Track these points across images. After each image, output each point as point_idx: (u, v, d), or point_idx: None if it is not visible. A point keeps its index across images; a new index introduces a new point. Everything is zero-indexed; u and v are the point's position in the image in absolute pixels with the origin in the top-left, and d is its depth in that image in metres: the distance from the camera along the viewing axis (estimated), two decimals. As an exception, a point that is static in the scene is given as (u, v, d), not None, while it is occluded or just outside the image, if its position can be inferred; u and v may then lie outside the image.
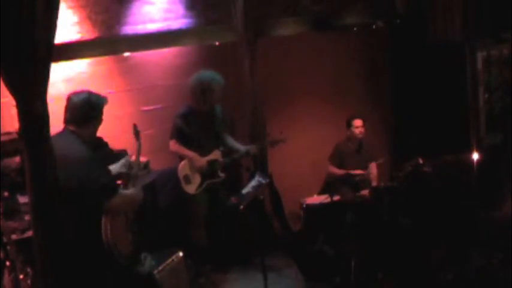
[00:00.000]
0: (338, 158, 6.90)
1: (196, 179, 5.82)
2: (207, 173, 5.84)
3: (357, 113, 6.84)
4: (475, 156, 6.03)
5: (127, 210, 4.29)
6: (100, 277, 4.18)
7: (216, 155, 5.90)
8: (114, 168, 4.35)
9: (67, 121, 4.23)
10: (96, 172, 4.07)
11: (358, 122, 6.77)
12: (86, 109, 4.19)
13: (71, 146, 4.16)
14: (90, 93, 4.28)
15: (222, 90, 5.83)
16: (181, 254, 5.12)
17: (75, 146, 4.16)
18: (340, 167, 6.85)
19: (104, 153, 4.34)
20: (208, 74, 5.80)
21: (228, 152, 6.01)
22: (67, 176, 4.00)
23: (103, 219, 4.11)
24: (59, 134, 4.20)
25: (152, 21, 6.55)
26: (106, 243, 4.09)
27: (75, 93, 4.29)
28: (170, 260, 4.97)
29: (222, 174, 5.92)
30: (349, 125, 6.81)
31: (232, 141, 6.12)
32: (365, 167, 6.76)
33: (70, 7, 6.18)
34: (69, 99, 4.26)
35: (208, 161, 5.84)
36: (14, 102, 4.14)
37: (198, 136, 5.83)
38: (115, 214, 4.17)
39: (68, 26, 6.17)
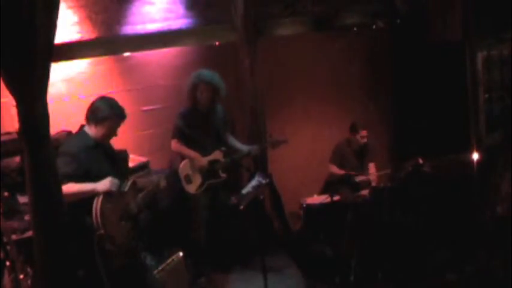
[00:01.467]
0: (339, 158, 6.90)
1: (197, 179, 5.81)
2: (208, 173, 5.83)
3: (363, 123, 6.84)
4: (475, 156, 6.03)
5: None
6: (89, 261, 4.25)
7: (217, 155, 5.89)
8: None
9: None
10: (61, 162, 4.18)
11: (364, 133, 6.78)
12: (92, 110, 4.41)
13: (71, 140, 4.48)
14: (108, 100, 4.48)
15: (208, 89, 5.76)
16: (181, 254, 5.12)
17: (73, 142, 4.44)
18: (340, 167, 6.85)
19: (96, 157, 4.38)
20: (196, 73, 5.78)
21: (230, 152, 6.00)
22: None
23: (94, 201, 4.21)
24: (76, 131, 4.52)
25: (152, 21, 6.55)
26: (95, 223, 4.17)
27: (102, 96, 4.59)
28: (170, 260, 4.97)
29: (223, 175, 5.92)
30: (355, 131, 6.80)
31: (234, 142, 6.11)
32: (365, 168, 6.76)
33: (70, 7, 6.17)
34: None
35: (210, 161, 5.83)
36: (14, 102, 4.14)
37: (199, 136, 5.82)
38: (108, 199, 4.24)
39: (68, 26, 6.17)
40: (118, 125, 4.47)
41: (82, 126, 4.48)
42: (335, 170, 6.88)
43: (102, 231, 4.18)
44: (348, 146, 6.91)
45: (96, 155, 4.39)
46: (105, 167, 4.42)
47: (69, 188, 4.20)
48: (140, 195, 4.59)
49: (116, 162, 4.57)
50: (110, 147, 4.60)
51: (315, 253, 6.11)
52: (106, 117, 4.38)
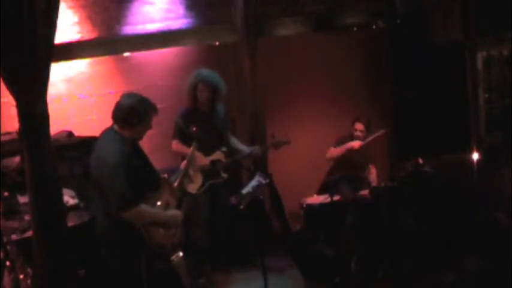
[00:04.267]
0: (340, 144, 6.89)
1: (199, 179, 5.81)
2: (210, 173, 5.83)
3: (361, 117, 6.75)
4: (475, 156, 6.03)
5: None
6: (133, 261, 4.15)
7: (218, 155, 5.89)
8: None
9: (113, 119, 4.21)
10: (120, 182, 3.99)
11: (359, 126, 6.69)
12: (128, 113, 4.15)
13: (109, 146, 4.13)
14: (139, 98, 4.26)
15: (207, 89, 5.74)
16: (181, 254, 5.11)
17: (112, 147, 4.10)
18: (338, 162, 6.84)
19: (135, 159, 4.26)
20: (195, 72, 5.77)
21: (231, 152, 6.00)
22: (96, 172, 4.07)
23: None
24: (106, 130, 4.23)
25: (152, 21, 6.55)
26: (140, 236, 4.10)
27: (127, 94, 4.30)
28: (170, 260, 4.96)
29: (224, 175, 5.91)
30: (352, 125, 6.78)
31: (235, 142, 6.11)
32: (362, 167, 6.75)
33: (70, 7, 6.18)
34: (120, 98, 4.25)
35: (211, 161, 5.83)
36: (14, 102, 4.15)
37: (200, 136, 5.82)
38: None
39: (68, 26, 6.17)
40: (152, 119, 4.32)
41: (112, 129, 4.21)
42: (334, 151, 6.73)
43: (151, 244, 4.13)
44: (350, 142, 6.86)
45: (135, 159, 4.21)
46: (144, 168, 4.30)
47: (143, 212, 4.08)
48: (175, 185, 4.54)
49: (148, 161, 4.44)
50: (139, 146, 4.43)
51: (315, 253, 6.10)
52: (145, 116, 4.20)
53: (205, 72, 5.76)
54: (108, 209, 4.06)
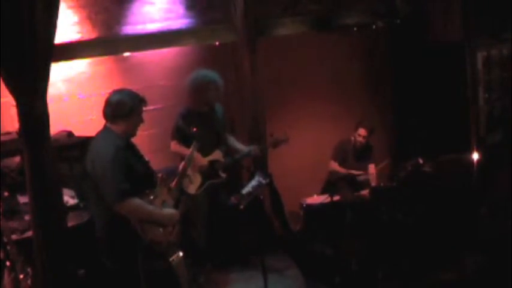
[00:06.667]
0: (340, 155, 6.89)
1: (197, 179, 5.81)
2: (208, 173, 5.83)
3: (365, 121, 6.80)
4: (475, 156, 6.03)
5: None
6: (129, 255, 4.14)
7: (217, 155, 5.89)
8: None
9: (104, 117, 4.24)
10: (115, 175, 4.01)
11: (362, 132, 6.73)
12: (116, 107, 4.18)
13: (103, 143, 4.16)
14: (126, 92, 4.30)
15: (217, 89, 5.78)
16: (181, 254, 5.11)
17: (106, 143, 4.13)
18: (341, 164, 6.85)
19: (130, 155, 4.26)
20: (202, 73, 5.77)
21: (230, 152, 6.00)
22: (92, 171, 4.07)
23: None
24: (99, 132, 4.26)
25: (152, 21, 6.55)
26: (133, 224, 4.09)
27: (114, 91, 4.33)
28: (170, 260, 4.96)
29: (223, 175, 5.91)
30: (355, 129, 6.79)
31: (234, 142, 6.11)
32: (365, 169, 6.76)
33: (70, 7, 6.18)
34: (108, 96, 4.28)
35: (210, 161, 5.83)
36: (14, 102, 4.15)
37: (200, 136, 5.81)
38: None
39: (68, 26, 6.17)
40: (142, 111, 4.33)
41: (105, 128, 4.25)
42: (336, 167, 6.86)
43: (146, 241, 4.12)
44: (350, 146, 6.89)
45: (130, 154, 4.23)
46: (140, 165, 4.29)
47: (138, 207, 4.08)
48: (172, 184, 4.53)
49: (143, 158, 4.43)
50: (134, 144, 4.43)
51: (315, 253, 6.11)
52: (133, 107, 4.21)
53: (212, 73, 5.77)
54: (105, 206, 4.06)
